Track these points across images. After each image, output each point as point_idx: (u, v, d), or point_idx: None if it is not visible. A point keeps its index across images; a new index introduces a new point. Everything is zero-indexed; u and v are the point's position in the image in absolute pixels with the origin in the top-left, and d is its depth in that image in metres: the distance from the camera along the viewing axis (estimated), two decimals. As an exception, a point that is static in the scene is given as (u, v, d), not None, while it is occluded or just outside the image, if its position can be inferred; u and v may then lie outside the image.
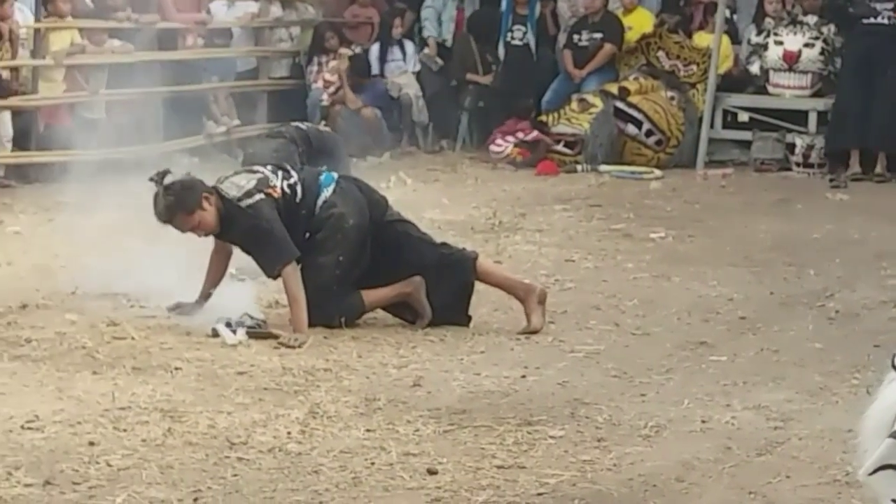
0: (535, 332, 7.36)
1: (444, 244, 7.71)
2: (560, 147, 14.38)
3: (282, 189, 7.33)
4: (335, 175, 7.60)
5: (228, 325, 7.14)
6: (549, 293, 7.68)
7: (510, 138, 14.45)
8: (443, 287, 7.44)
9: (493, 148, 14.51)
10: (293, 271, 7.16)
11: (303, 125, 10.23)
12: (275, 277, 7.23)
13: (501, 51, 15.59)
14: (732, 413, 6.02)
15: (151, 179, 7.31)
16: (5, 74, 12.43)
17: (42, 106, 12.67)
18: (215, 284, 7.60)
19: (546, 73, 15.54)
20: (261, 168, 7.49)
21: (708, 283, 8.73)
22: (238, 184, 7.32)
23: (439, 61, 15.81)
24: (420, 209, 10.98)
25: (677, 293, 8.50)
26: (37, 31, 12.62)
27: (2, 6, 12.12)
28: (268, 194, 7.26)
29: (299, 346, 6.90)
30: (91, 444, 5.40)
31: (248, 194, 7.25)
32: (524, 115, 14.69)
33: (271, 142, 9.73)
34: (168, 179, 7.25)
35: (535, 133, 14.39)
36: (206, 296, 7.58)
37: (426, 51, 15.83)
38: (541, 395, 6.25)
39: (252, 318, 7.22)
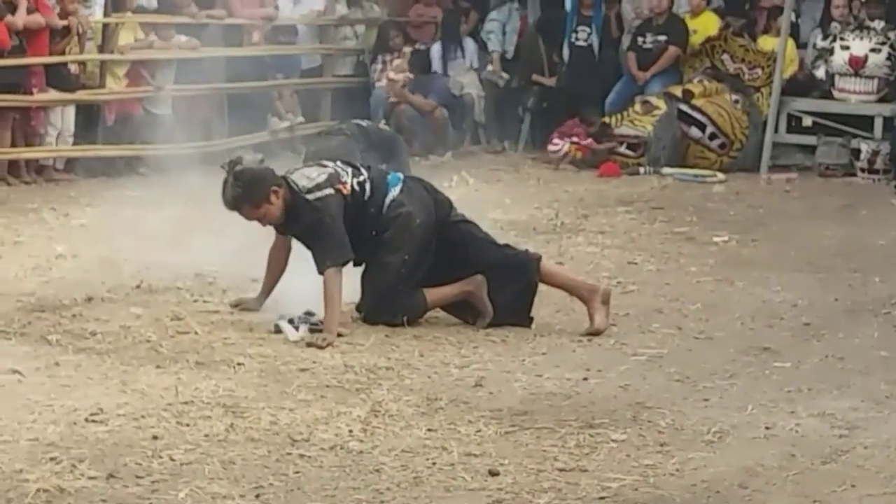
0: (598, 332, 7.33)
1: (507, 245, 7.70)
2: (623, 149, 14.33)
3: (351, 186, 7.32)
4: (401, 175, 7.60)
5: (291, 321, 7.16)
6: (611, 294, 7.64)
7: (567, 139, 14.43)
8: (506, 287, 7.43)
9: (550, 147, 14.50)
10: (336, 274, 7.12)
11: (363, 123, 10.26)
12: (321, 273, 7.20)
13: (566, 52, 15.56)
14: (797, 420, 5.97)
15: (223, 166, 7.32)
16: (73, 69, 12.53)
17: (109, 100, 12.76)
18: (276, 281, 7.61)
19: (609, 75, 15.50)
20: (331, 163, 7.49)
21: (772, 289, 8.67)
22: (309, 175, 7.31)
23: (505, 76, 15.73)
24: (482, 209, 10.95)
25: (741, 298, 8.44)
26: (105, 26, 12.71)
27: (62, 2, 12.22)
28: (337, 190, 7.25)
29: (325, 346, 6.86)
30: (154, 438, 5.43)
31: (319, 187, 7.24)
32: (587, 122, 14.60)
33: (332, 139, 9.77)
34: (239, 168, 7.25)
35: (589, 140, 14.34)
36: (266, 292, 7.60)
37: (490, 67, 15.73)
38: (603, 398, 6.23)
39: (314, 314, 7.23)
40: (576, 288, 7.56)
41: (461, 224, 7.58)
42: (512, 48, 15.97)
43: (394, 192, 7.40)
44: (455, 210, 7.62)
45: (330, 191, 7.24)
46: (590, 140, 14.32)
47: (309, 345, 6.89)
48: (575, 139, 14.36)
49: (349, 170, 7.43)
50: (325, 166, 7.42)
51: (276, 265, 7.61)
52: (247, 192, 7.17)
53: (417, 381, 6.39)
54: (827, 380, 6.64)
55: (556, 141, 14.48)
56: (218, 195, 7.33)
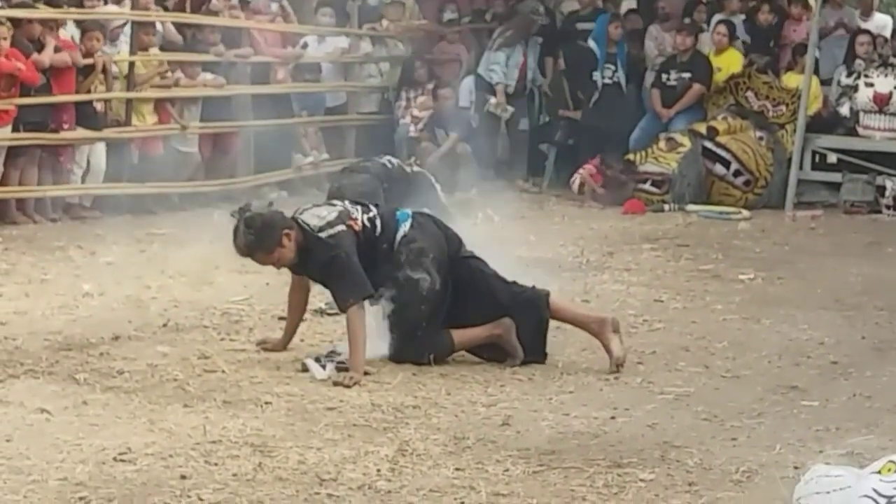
0: (619, 363, 7.31)
1: (514, 282, 7.69)
2: (647, 186, 14.33)
3: (362, 222, 7.34)
4: (410, 211, 7.61)
5: (318, 359, 7.16)
6: (637, 334, 7.62)
7: (581, 170, 14.48)
8: (520, 325, 7.43)
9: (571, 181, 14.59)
10: (359, 310, 7.11)
11: (388, 161, 10.25)
12: (343, 311, 7.20)
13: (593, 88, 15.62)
14: (825, 459, 5.94)
15: (233, 214, 7.32)
16: (99, 107, 12.60)
17: (135, 138, 12.82)
18: (298, 322, 7.61)
19: (634, 112, 15.52)
20: (340, 202, 7.50)
21: (798, 327, 8.65)
22: (319, 214, 7.30)
23: (510, 109, 15.66)
24: (507, 246, 10.97)
25: (767, 336, 8.42)
26: (131, 64, 12.77)
27: (86, 41, 12.28)
28: (349, 226, 7.26)
29: (352, 385, 6.86)
30: (183, 477, 5.43)
31: (330, 225, 7.23)
32: (607, 165, 14.61)
33: (356, 176, 9.76)
34: (248, 214, 7.22)
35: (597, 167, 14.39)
36: (290, 334, 7.60)
37: (493, 100, 15.60)
38: (630, 437, 6.21)
39: (341, 353, 7.23)
40: (585, 322, 7.56)
41: (471, 260, 7.58)
42: (513, 83, 15.89)
43: (404, 228, 7.41)
44: (464, 246, 7.63)
45: (342, 227, 7.24)
46: (598, 166, 14.35)
47: (336, 384, 6.89)
48: (588, 167, 14.38)
49: (359, 207, 7.44)
50: (334, 205, 7.43)
51: (297, 306, 7.60)
52: (259, 238, 7.14)
53: (444, 420, 6.39)
54: (855, 418, 6.61)
55: (574, 176, 14.54)
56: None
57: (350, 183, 9.70)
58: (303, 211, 7.40)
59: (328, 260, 7.17)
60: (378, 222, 7.39)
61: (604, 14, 16.04)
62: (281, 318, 8.03)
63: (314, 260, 7.22)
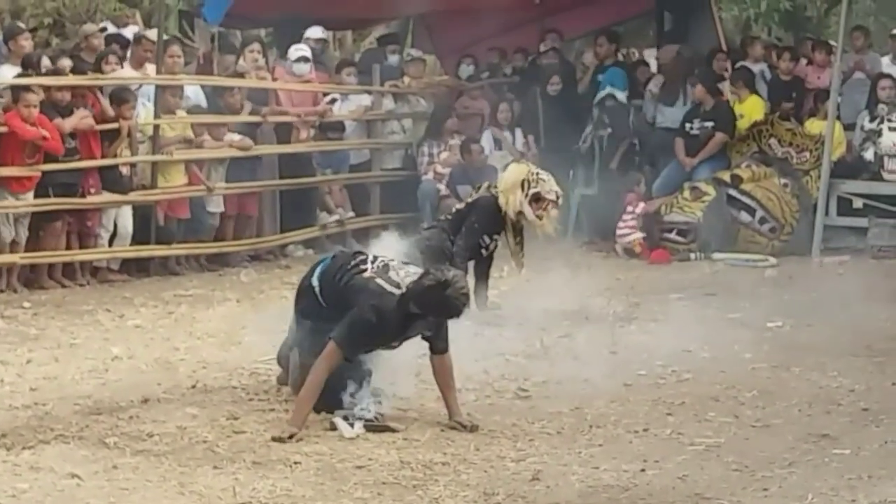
0: None
1: None
2: (673, 235, 14.33)
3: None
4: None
5: (346, 418, 7.17)
6: (665, 385, 7.58)
7: (631, 222, 14.44)
8: None
9: (619, 232, 14.50)
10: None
11: (448, 215, 10.71)
12: (444, 352, 7.29)
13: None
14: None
15: (437, 281, 7.06)
16: (125, 170, 12.67)
17: (161, 200, 12.87)
18: None
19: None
20: (353, 262, 7.46)
21: (828, 374, 8.62)
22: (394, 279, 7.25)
23: None
24: (533, 298, 10.98)
25: (797, 384, 8.39)
26: (155, 126, 12.84)
27: (121, 107, 12.38)
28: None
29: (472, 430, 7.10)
30: (213, 539, 5.44)
31: (395, 283, 7.23)
32: (632, 182, 14.72)
33: (426, 232, 10.61)
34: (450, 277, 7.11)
35: (642, 205, 14.41)
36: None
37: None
38: (661, 490, 6.19)
39: (369, 411, 7.23)
40: None
41: None
42: None
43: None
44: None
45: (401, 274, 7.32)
46: (643, 205, 14.40)
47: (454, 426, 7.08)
48: (640, 235, 14.38)
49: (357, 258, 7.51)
50: (364, 269, 7.38)
51: None
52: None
53: (474, 476, 6.38)
54: (888, 466, 6.57)
55: (625, 227, 14.45)
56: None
57: (419, 238, 10.21)
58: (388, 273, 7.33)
59: None
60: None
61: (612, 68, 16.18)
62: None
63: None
